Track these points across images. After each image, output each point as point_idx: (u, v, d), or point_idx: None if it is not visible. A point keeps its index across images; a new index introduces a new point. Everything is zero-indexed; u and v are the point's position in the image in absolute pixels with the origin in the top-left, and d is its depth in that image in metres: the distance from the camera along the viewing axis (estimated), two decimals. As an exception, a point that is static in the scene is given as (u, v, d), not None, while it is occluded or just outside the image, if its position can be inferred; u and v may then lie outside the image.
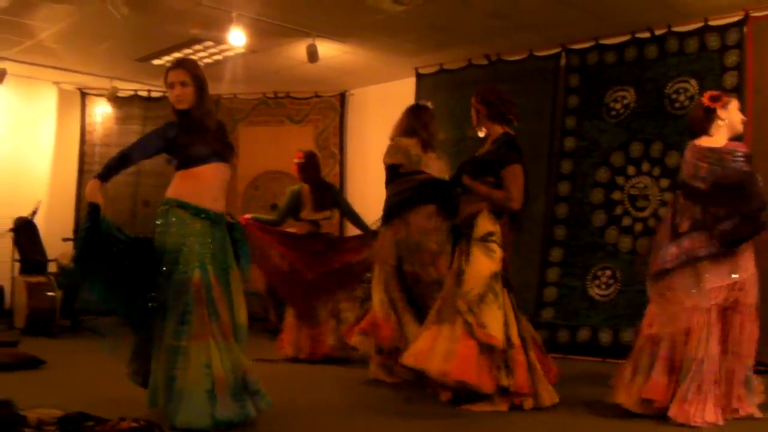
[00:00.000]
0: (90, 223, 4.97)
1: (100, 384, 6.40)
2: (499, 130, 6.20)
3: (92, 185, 5.01)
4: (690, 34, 8.50)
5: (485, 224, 5.88)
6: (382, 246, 6.90)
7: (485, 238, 5.84)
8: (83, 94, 12.43)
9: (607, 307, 8.64)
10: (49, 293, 10.01)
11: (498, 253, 5.84)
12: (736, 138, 5.70)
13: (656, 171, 8.58)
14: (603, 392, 5.82)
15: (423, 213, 6.73)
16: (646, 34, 8.81)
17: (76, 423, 4.71)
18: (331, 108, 12.48)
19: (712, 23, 8.33)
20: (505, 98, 6.28)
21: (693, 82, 8.38)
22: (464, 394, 5.81)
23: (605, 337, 8.54)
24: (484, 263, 5.80)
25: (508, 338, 5.76)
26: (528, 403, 5.77)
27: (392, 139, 7.02)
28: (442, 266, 6.62)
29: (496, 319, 5.72)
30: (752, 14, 8.14)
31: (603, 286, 8.71)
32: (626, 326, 8.36)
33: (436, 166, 7.02)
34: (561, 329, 8.85)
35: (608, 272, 8.72)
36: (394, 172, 6.85)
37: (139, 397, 5.53)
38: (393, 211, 6.81)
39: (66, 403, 5.19)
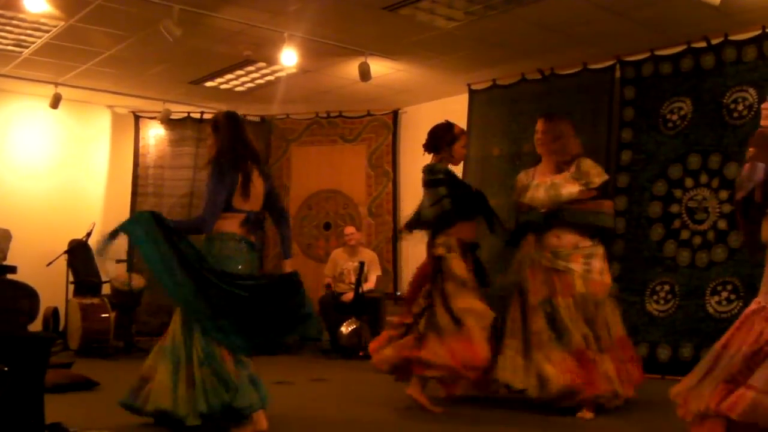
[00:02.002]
0: None
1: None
2: (434, 159, 6.80)
3: None
4: (748, 42, 8.31)
5: None
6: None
7: None
8: (136, 117, 12.57)
9: (665, 322, 8.46)
10: (103, 315, 10.10)
11: None
12: None
13: (715, 183, 8.39)
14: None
15: None
16: (703, 44, 8.65)
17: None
18: (383, 126, 12.43)
19: (770, 30, 8.16)
20: (437, 131, 6.82)
21: (752, 91, 8.19)
22: None
23: (664, 353, 8.36)
24: None
25: None
26: None
27: (581, 158, 6.56)
28: None
29: None
30: (812, 20, 7.97)
31: (661, 301, 8.53)
32: (685, 342, 8.20)
33: None
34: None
35: (667, 287, 8.54)
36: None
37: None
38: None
39: (119, 425, 5.17)
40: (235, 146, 5.51)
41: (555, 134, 6.50)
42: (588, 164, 6.45)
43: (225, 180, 5.37)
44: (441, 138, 6.75)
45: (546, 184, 6.45)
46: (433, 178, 6.64)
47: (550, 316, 6.18)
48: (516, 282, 6.51)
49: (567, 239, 6.34)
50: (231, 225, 5.40)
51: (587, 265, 6.25)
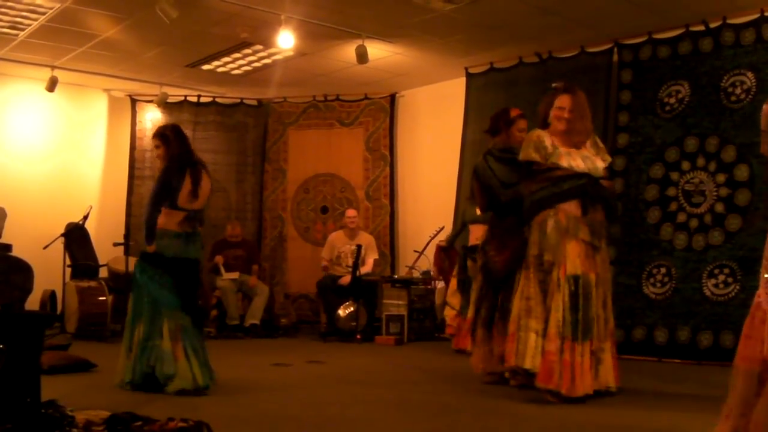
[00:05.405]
0: None
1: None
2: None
3: None
4: (746, 25, 8.29)
5: None
6: None
7: None
8: (133, 101, 12.54)
9: (662, 305, 8.46)
10: (100, 298, 10.11)
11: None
12: None
13: (712, 166, 8.37)
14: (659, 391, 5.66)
15: None
16: (701, 27, 8.63)
17: (124, 423, 4.66)
18: (381, 110, 12.40)
19: (768, 14, 8.14)
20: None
21: (749, 74, 8.17)
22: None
23: (660, 336, 8.37)
24: None
25: None
26: None
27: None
28: None
29: None
30: (810, 3, 7.94)
31: (658, 284, 8.53)
32: (682, 325, 8.21)
33: None
34: (615, 328, 8.67)
35: (663, 270, 8.53)
36: None
37: (187, 397, 5.83)
38: None
39: (115, 405, 5.17)
40: (182, 155, 6.36)
41: (580, 112, 6.05)
42: (599, 141, 6.21)
43: (171, 184, 6.23)
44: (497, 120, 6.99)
45: (581, 155, 5.96)
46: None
47: (574, 294, 5.73)
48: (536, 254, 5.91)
49: (600, 215, 5.97)
50: (171, 222, 6.28)
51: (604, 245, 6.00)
